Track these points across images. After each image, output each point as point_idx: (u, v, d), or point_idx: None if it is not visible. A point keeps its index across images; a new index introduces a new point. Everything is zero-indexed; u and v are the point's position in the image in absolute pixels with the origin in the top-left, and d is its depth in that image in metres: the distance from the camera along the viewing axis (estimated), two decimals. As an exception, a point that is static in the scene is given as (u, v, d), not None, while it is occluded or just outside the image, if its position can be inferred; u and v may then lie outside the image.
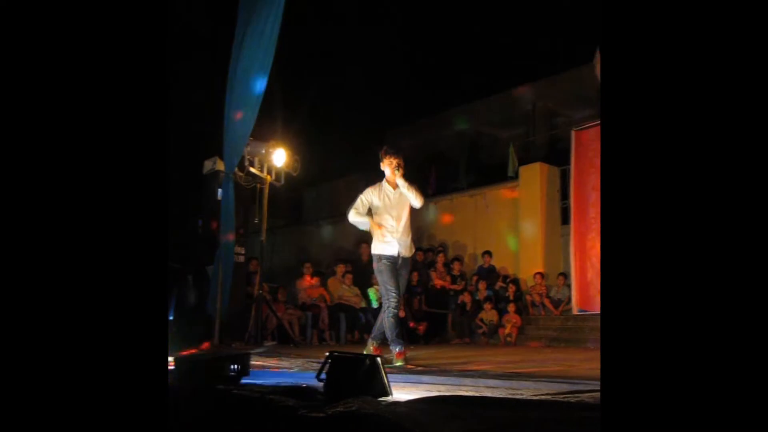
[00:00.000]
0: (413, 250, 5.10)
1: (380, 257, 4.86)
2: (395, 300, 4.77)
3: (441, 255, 10.35)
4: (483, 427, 1.96)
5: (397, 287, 4.81)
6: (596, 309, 8.42)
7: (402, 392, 2.80)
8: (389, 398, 2.51)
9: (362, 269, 10.09)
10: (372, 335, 5.05)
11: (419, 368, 4.30)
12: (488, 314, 9.25)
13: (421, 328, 9.40)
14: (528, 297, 9.61)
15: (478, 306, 9.44)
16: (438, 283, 9.89)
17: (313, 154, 10.38)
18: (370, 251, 11.27)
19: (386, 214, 4.91)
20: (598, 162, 8.58)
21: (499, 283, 9.80)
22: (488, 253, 10.30)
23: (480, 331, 9.25)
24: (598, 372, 4.12)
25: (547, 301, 9.39)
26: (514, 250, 10.52)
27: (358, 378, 2.46)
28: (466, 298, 9.55)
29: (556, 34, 12.16)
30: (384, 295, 4.84)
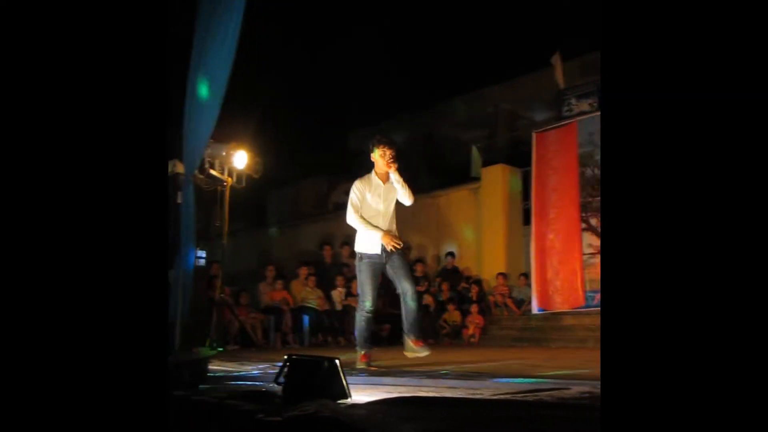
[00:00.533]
0: (401, 245, 4.79)
1: (361, 256, 4.65)
2: (369, 303, 4.58)
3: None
4: (441, 427, 1.96)
5: (376, 290, 4.61)
6: (555, 308, 8.53)
7: (362, 394, 2.79)
8: (348, 400, 2.49)
9: (325, 271, 10.05)
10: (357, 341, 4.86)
11: (380, 370, 4.29)
12: (451, 315, 9.29)
13: (385, 329, 9.39)
14: (491, 297, 9.68)
15: (441, 307, 9.48)
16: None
17: (275, 156, 10.30)
18: (332, 253, 11.19)
19: (373, 208, 4.68)
20: (557, 163, 8.69)
21: (462, 284, 9.85)
22: (451, 254, 10.35)
23: (443, 332, 9.29)
24: (559, 371, 4.15)
25: (509, 302, 9.47)
26: (476, 251, 10.59)
27: (316, 381, 2.44)
28: (428, 299, 9.57)
29: (517, 37, 12.28)
30: (359, 295, 4.68)
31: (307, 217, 13.27)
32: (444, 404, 2.36)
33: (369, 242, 4.62)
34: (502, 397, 2.62)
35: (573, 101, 8.67)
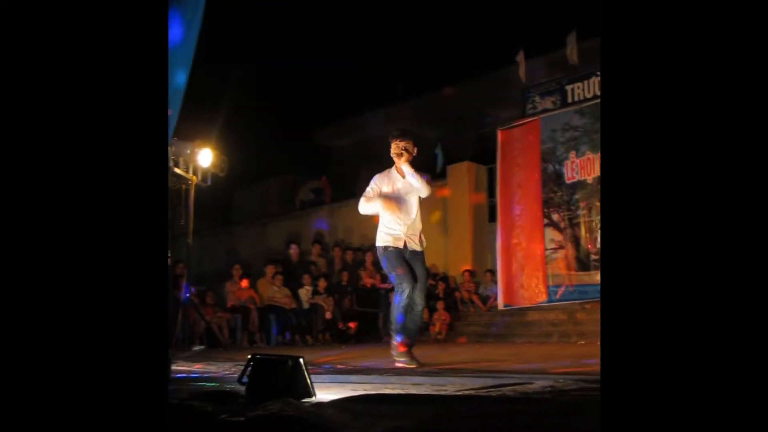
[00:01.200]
0: (424, 244, 4.58)
1: (385, 247, 4.43)
2: (408, 286, 4.28)
3: (369, 254, 10.38)
4: (405, 424, 1.97)
5: (410, 272, 4.32)
6: (521, 303, 8.63)
7: (327, 393, 2.78)
8: (313, 399, 2.49)
9: (292, 270, 10.01)
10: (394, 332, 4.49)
11: (345, 367, 4.29)
12: (419, 312, 9.32)
13: (352, 327, 9.40)
14: (457, 294, 9.75)
15: (408, 304, 9.50)
16: (368, 281, 9.91)
17: (241, 154, 10.22)
18: (299, 251, 11.13)
19: (394, 205, 4.45)
20: (522, 160, 8.79)
21: (429, 281, 9.89)
22: None
23: (411, 328, 9.32)
24: (523, 365, 4.19)
25: (475, 298, 9.55)
26: (442, 248, 10.64)
27: (280, 380, 2.43)
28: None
29: (483, 35, 12.38)
30: (395, 283, 4.40)
31: (274, 216, 13.20)
32: (408, 401, 2.37)
33: (391, 237, 4.44)
34: (466, 392, 2.65)
35: (537, 99, 8.77)
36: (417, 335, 4.52)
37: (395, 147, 4.43)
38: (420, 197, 4.50)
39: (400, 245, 4.41)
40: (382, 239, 4.48)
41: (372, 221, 11.92)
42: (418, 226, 4.52)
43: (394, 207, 4.42)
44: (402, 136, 4.48)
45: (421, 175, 4.44)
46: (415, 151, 4.50)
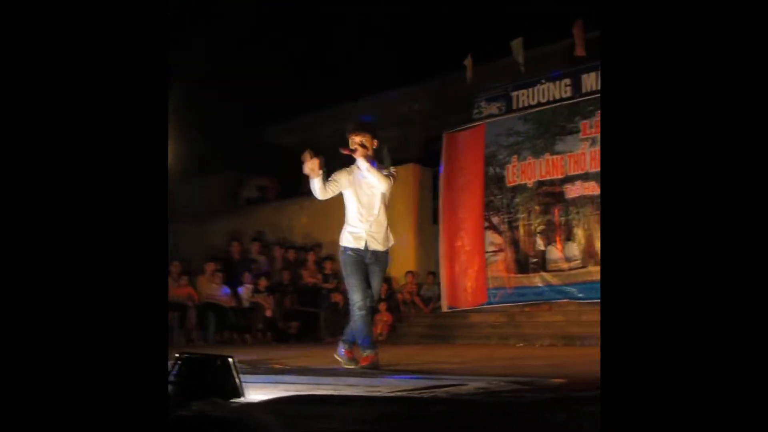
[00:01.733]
0: (390, 242, 4.39)
1: (344, 249, 4.29)
2: (359, 297, 4.17)
3: (312, 253, 10.30)
4: (334, 426, 1.94)
5: (363, 282, 4.19)
6: (463, 306, 8.70)
7: (259, 393, 2.73)
8: (241, 400, 2.43)
9: (233, 267, 9.86)
10: (342, 337, 4.42)
11: (281, 367, 4.23)
12: (360, 313, 9.30)
13: (293, 327, 9.32)
14: (399, 296, 9.76)
15: (350, 304, 9.47)
16: (310, 280, 9.84)
17: (184, 149, 10.01)
18: (241, 249, 10.98)
19: (354, 199, 4.31)
20: (466, 164, 8.87)
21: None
22: None
23: (352, 329, 9.29)
24: (460, 367, 4.19)
25: (417, 299, 9.58)
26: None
27: (207, 379, 2.36)
28: (338, 297, 9.55)
29: (432, 38, 12.44)
30: (348, 291, 4.32)
31: (216, 212, 12.97)
32: (339, 402, 2.34)
33: (351, 236, 4.30)
34: (399, 394, 2.63)
35: (483, 104, 8.86)
36: (358, 337, 4.28)
37: (351, 142, 4.26)
38: (383, 192, 4.30)
39: (360, 246, 4.26)
40: (344, 239, 4.35)
41: (318, 221, 11.84)
42: (383, 222, 4.33)
43: (312, 166, 4.16)
44: (357, 130, 4.31)
45: (380, 169, 4.28)
46: (375, 144, 4.36)
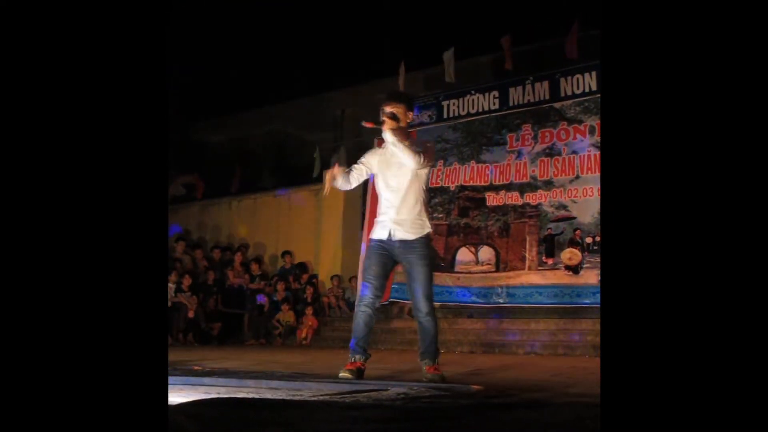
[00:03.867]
0: (426, 229, 3.76)
1: (369, 240, 3.85)
2: (368, 294, 3.74)
3: (239, 254, 10.19)
4: (250, 430, 1.95)
5: (378, 278, 3.71)
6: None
7: (178, 395, 2.70)
8: (161, 402, 2.40)
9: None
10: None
11: (202, 369, 4.17)
12: (285, 315, 9.25)
13: (215, 328, 9.18)
14: (325, 299, 9.77)
15: (275, 307, 9.42)
16: (235, 281, 9.72)
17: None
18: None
19: (382, 183, 3.81)
20: (395, 170, 8.95)
21: (295, 284, 9.83)
22: (288, 253, 10.31)
23: (276, 332, 9.23)
24: (382, 372, 4.23)
25: (342, 303, 9.61)
26: (314, 252, 10.64)
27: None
28: (263, 298, 9.48)
29: (367, 44, 12.53)
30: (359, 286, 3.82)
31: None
32: (261, 405, 2.34)
33: (377, 226, 3.82)
34: (321, 398, 2.65)
35: (414, 111, 8.98)
36: (434, 348, 3.81)
37: (381, 113, 3.73)
38: (417, 172, 3.74)
39: (383, 236, 3.74)
40: (372, 230, 3.89)
41: (242, 223, 11.64)
42: (414, 207, 3.75)
43: (343, 180, 3.81)
44: (390, 99, 3.81)
45: (415, 143, 3.75)
46: (411, 116, 3.84)
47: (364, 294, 3.78)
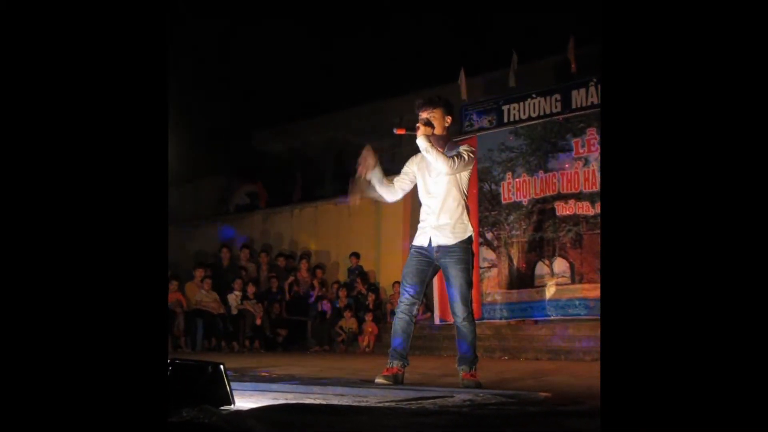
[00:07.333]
0: (467, 233, 3.77)
1: (411, 246, 3.88)
2: (405, 298, 3.74)
3: (304, 261, 10.32)
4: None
5: (416, 284, 3.72)
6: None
7: (248, 401, 2.76)
8: (232, 407, 2.46)
9: (222, 274, 9.85)
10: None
11: (269, 375, 4.25)
12: (348, 322, 9.32)
13: (281, 334, 9.33)
14: (388, 306, 9.78)
15: (338, 314, 9.49)
16: (298, 289, 9.84)
17: (173, 153, 9.98)
18: (230, 255, 10.92)
19: (423, 189, 3.85)
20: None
21: (360, 289, 9.84)
22: (355, 254, 10.26)
23: (339, 339, 9.30)
24: (447, 379, 4.21)
25: (405, 310, 9.59)
26: (375, 259, 10.68)
27: (198, 386, 2.38)
28: (327, 305, 9.56)
29: (427, 51, 12.54)
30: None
31: (207, 218, 12.96)
32: (328, 411, 2.37)
33: (418, 231, 3.86)
34: (387, 404, 2.66)
35: (474, 117, 8.92)
36: (472, 355, 3.86)
37: (421, 118, 3.79)
38: (456, 176, 3.75)
39: (423, 242, 3.77)
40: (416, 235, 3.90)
41: (304, 231, 11.76)
42: (455, 212, 3.74)
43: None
44: (425, 104, 3.83)
45: (449, 146, 3.79)
46: (449, 120, 3.88)
47: (402, 301, 3.80)
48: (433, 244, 3.74)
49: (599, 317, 7.41)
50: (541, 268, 7.96)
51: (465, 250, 3.75)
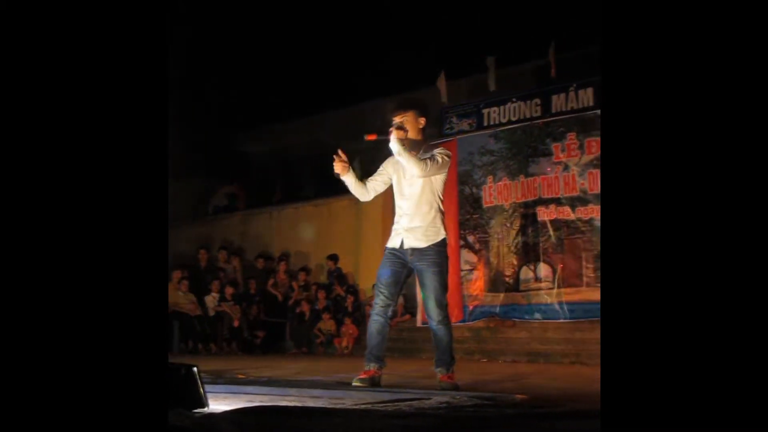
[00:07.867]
0: (440, 236, 3.76)
1: (384, 248, 3.88)
2: (380, 300, 3.73)
3: (282, 263, 10.26)
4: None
5: (390, 285, 3.72)
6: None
7: (222, 403, 2.73)
8: (205, 409, 2.42)
9: (200, 275, 9.77)
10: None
11: (245, 378, 4.21)
12: (326, 324, 9.28)
13: (259, 336, 9.26)
14: (367, 308, 9.76)
15: (316, 316, 9.45)
16: (276, 291, 9.78)
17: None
18: (208, 257, 10.86)
19: (397, 191, 3.87)
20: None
21: (338, 291, 9.80)
22: (333, 257, 10.21)
23: (318, 341, 9.26)
24: (425, 381, 4.21)
25: (383, 312, 9.58)
26: (354, 261, 10.65)
27: (171, 388, 2.35)
28: (305, 307, 9.52)
29: (406, 53, 12.54)
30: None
31: (184, 219, 12.85)
32: (302, 414, 2.35)
33: (392, 234, 3.87)
34: (362, 406, 2.65)
35: (454, 119, 8.93)
36: (448, 356, 3.84)
37: (393, 122, 3.81)
38: (430, 179, 3.75)
39: (396, 244, 3.78)
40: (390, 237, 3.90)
41: (283, 233, 11.72)
42: (429, 214, 3.75)
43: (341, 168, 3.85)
44: (398, 108, 3.87)
45: (426, 148, 3.81)
46: (423, 122, 3.88)
47: (376, 302, 3.80)
48: (406, 246, 3.76)
49: (578, 320, 7.52)
50: (526, 273, 7.98)
51: (438, 253, 3.76)
